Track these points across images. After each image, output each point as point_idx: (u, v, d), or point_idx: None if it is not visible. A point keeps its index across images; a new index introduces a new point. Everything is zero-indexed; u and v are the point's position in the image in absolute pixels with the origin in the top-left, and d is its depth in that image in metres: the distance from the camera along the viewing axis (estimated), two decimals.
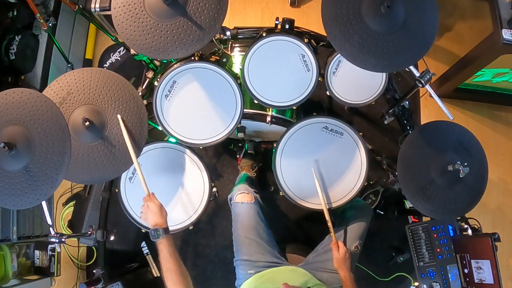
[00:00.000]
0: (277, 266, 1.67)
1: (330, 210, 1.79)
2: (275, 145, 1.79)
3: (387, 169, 2.08)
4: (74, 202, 2.50)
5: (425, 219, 2.13)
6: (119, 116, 1.44)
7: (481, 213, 2.38)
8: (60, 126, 1.25)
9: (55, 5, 2.35)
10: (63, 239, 1.67)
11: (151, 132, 1.90)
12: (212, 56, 1.76)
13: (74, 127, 1.42)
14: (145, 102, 1.73)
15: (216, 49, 1.79)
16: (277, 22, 1.73)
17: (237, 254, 1.71)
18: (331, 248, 1.64)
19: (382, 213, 2.33)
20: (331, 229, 1.68)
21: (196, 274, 2.41)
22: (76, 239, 2.33)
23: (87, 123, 1.38)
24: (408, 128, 2.08)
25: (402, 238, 2.28)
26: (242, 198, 1.81)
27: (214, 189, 1.88)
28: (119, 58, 2.67)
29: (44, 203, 1.54)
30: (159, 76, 1.73)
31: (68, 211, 2.50)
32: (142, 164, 1.74)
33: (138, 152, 1.46)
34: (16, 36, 2.30)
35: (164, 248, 1.34)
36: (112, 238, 2.13)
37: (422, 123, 2.54)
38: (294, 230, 2.47)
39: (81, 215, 2.28)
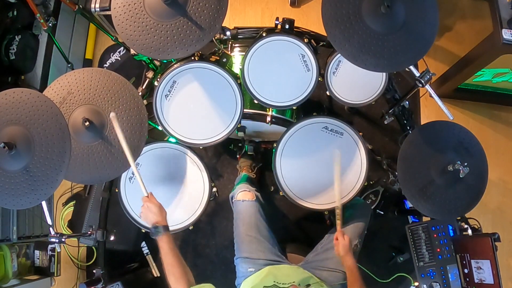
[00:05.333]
0: (278, 264, 1.67)
1: (330, 210, 1.79)
2: (275, 145, 1.79)
3: (387, 169, 2.08)
4: (74, 202, 2.49)
5: (425, 219, 2.13)
6: (112, 115, 1.39)
7: (481, 213, 2.38)
8: (60, 126, 1.25)
9: (55, 5, 2.35)
10: (63, 239, 1.67)
11: (151, 132, 1.90)
12: (212, 56, 1.76)
13: (74, 127, 1.42)
14: (145, 102, 1.73)
15: (216, 49, 1.79)
16: (277, 22, 1.73)
17: (238, 252, 1.71)
18: (337, 236, 1.59)
19: (382, 213, 2.32)
20: (339, 216, 1.62)
21: (196, 274, 2.36)
22: (76, 239, 2.33)
23: (87, 123, 1.38)
24: (408, 128, 2.08)
25: (402, 238, 2.28)
26: (243, 196, 1.81)
27: (214, 189, 1.88)
28: (119, 58, 2.67)
29: (44, 203, 1.54)
30: (159, 76, 1.73)
31: (68, 211, 2.50)
32: (142, 164, 1.75)
33: (135, 152, 1.46)
34: (16, 36, 2.29)
35: (164, 244, 1.36)
36: (112, 238, 2.13)
37: (422, 123, 2.54)
38: (293, 230, 2.47)
39: (81, 215, 2.28)
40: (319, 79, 1.73)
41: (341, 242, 1.57)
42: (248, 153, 2.30)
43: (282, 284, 1.50)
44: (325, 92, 1.83)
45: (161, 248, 1.37)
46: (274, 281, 1.52)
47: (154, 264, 2.40)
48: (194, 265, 2.43)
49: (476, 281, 1.76)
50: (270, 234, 1.76)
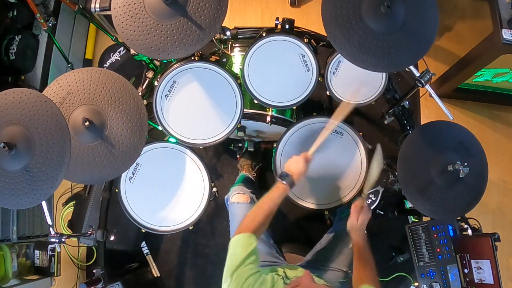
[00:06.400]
0: (276, 265, 1.67)
1: (329, 210, 1.79)
2: (275, 145, 1.79)
3: (387, 169, 2.08)
4: (74, 202, 2.50)
5: (425, 219, 2.13)
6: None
7: (481, 213, 2.38)
8: (60, 126, 1.25)
9: (55, 5, 2.35)
10: (63, 239, 1.67)
11: (151, 132, 1.90)
12: (212, 56, 1.76)
13: (74, 127, 1.42)
14: (145, 102, 1.73)
15: (216, 49, 1.79)
16: (277, 22, 1.74)
17: None
18: (352, 210, 1.54)
19: (382, 213, 2.32)
20: (368, 184, 1.57)
21: (196, 274, 2.41)
22: (76, 239, 2.33)
23: (87, 123, 1.38)
24: (408, 128, 2.08)
25: (402, 238, 2.28)
26: (238, 198, 1.81)
27: (214, 189, 1.88)
28: (119, 58, 2.67)
29: (44, 203, 1.54)
30: (159, 76, 1.73)
31: (68, 211, 2.50)
32: (142, 164, 1.75)
33: (135, 152, 1.46)
34: (16, 36, 2.29)
35: (277, 191, 1.42)
36: (112, 238, 2.13)
37: (422, 123, 2.54)
38: (293, 229, 2.47)
39: (81, 215, 2.28)
40: (319, 79, 1.74)
41: (357, 215, 1.51)
42: (249, 149, 2.29)
43: (287, 277, 1.48)
44: (325, 92, 1.83)
45: (272, 191, 1.43)
46: (281, 271, 1.50)
47: (154, 264, 2.40)
48: (194, 265, 2.43)
49: (476, 281, 1.76)
50: (267, 237, 1.75)
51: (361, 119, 2.56)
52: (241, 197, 1.81)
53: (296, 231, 2.47)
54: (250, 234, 1.31)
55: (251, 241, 1.30)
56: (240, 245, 1.30)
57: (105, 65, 2.67)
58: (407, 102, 1.94)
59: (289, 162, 1.50)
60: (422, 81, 1.56)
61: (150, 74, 1.90)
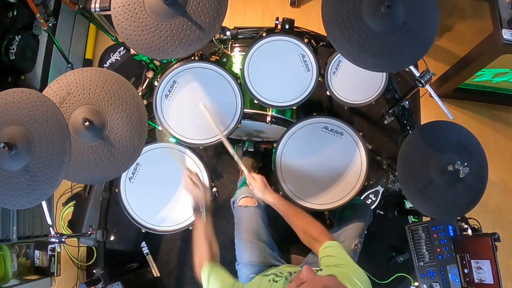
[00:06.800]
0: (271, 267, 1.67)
1: (330, 210, 1.79)
2: (275, 145, 1.79)
3: (387, 169, 2.08)
4: (74, 202, 2.49)
5: (425, 219, 2.13)
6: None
7: (481, 213, 2.38)
8: (60, 126, 1.24)
9: (55, 5, 2.34)
10: (63, 239, 1.67)
11: (151, 132, 1.90)
12: (212, 56, 1.76)
13: (74, 127, 1.42)
14: (145, 102, 1.73)
15: (216, 49, 1.79)
16: (277, 22, 1.74)
17: (240, 258, 1.70)
18: (249, 182, 1.67)
19: (382, 213, 2.33)
20: (239, 162, 1.70)
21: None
22: (76, 239, 2.33)
23: (87, 123, 1.38)
24: (408, 128, 2.08)
25: (402, 238, 2.28)
26: (245, 202, 1.79)
27: (214, 189, 1.88)
28: (119, 58, 2.67)
29: (44, 203, 1.54)
30: (159, 76, 1.73)
31: (68, 211, 2.50)
32: (142, 164, 1.75)
33: (135, 152, 1.48)
34: (16, 36, 2.29)
35: (199, 225, 1.54)
36: (112, 238, 2.13)
37: (422, 123, 2.54)
38: (293, 229, 2.46)
39: (81, 215, 2.28)
40: (319, 79, 1.74)
41: (254, 185, 1.64)
42: (249, 150, 2.29)
43: (280, 273, 1.48)
44: (325, 92, 1.83)
45: (196, 225, 1.54)
46: (273, 272, 1.50)
47: (154, 264, 2.40)
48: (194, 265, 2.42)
49: (476, 281, 1.76)
50: (270, 239, 1.75)
51: (361, 119, 2.56)
52: (248, 200, 1.78)
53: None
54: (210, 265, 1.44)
55: (223, 274, 1.43)
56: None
57: (105, 65, 2.67)
58: (407, 102, 1.94)
59: (187, 186, 1.60)
60: (422, 81, 1.56)
61: (150, 74, 1.90)
